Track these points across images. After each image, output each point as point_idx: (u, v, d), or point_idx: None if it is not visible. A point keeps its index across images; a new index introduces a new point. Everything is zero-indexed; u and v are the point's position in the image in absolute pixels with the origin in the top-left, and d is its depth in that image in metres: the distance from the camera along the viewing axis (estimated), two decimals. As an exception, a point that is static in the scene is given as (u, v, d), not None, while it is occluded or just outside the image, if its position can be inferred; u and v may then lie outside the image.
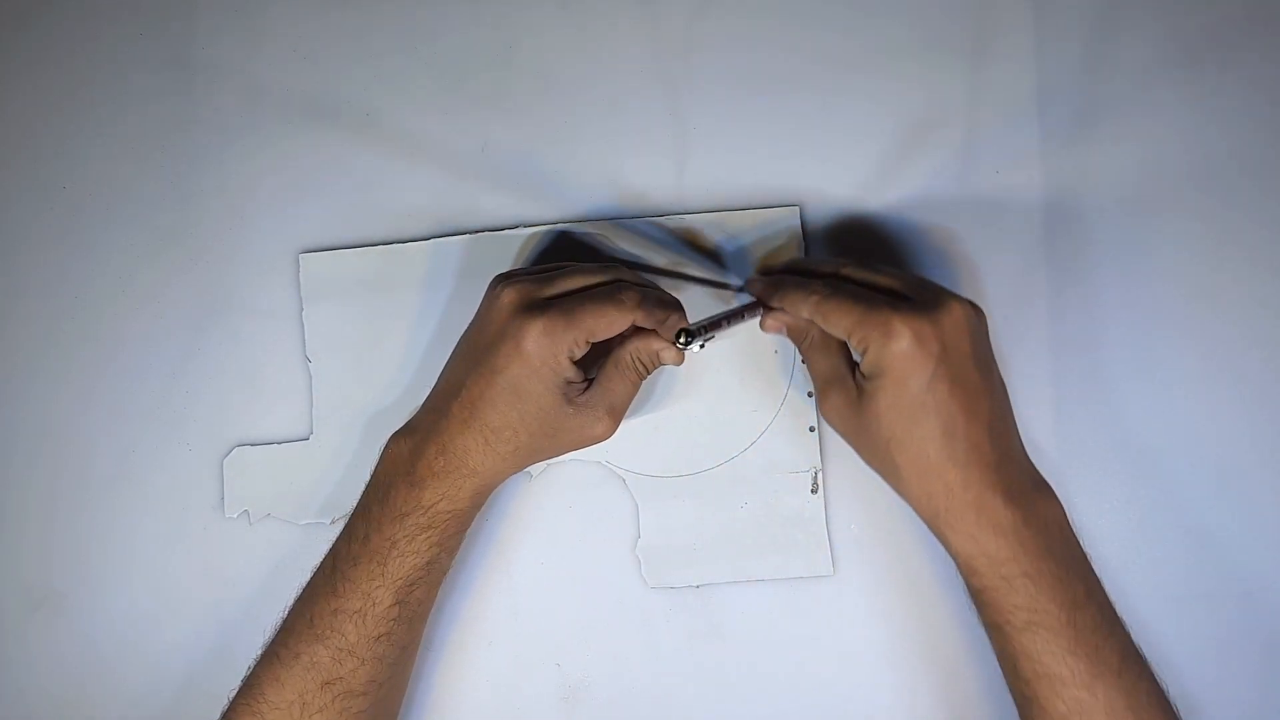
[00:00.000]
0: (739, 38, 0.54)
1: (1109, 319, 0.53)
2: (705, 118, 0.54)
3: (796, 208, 0.53)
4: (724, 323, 0.47)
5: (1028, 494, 0.44)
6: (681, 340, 0.45)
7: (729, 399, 0.53)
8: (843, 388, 0.46)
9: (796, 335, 0.49)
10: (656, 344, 0.48)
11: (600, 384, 0.48)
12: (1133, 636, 0.44)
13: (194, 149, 0.55)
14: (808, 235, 0.53)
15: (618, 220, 0.53)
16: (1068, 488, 0.52)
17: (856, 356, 0.46)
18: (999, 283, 0.53)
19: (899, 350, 0.42)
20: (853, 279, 0.46)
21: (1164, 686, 0.44)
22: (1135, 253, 0.53)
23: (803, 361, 0.50)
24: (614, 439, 0.52)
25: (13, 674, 0.55)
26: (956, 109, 0.53)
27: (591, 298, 0.46)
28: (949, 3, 0.54)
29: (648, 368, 0.49)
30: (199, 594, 0.54)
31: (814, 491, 0.52)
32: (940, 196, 0.53)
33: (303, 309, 0.54)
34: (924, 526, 0.53)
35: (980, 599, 0.44)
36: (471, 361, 0.47)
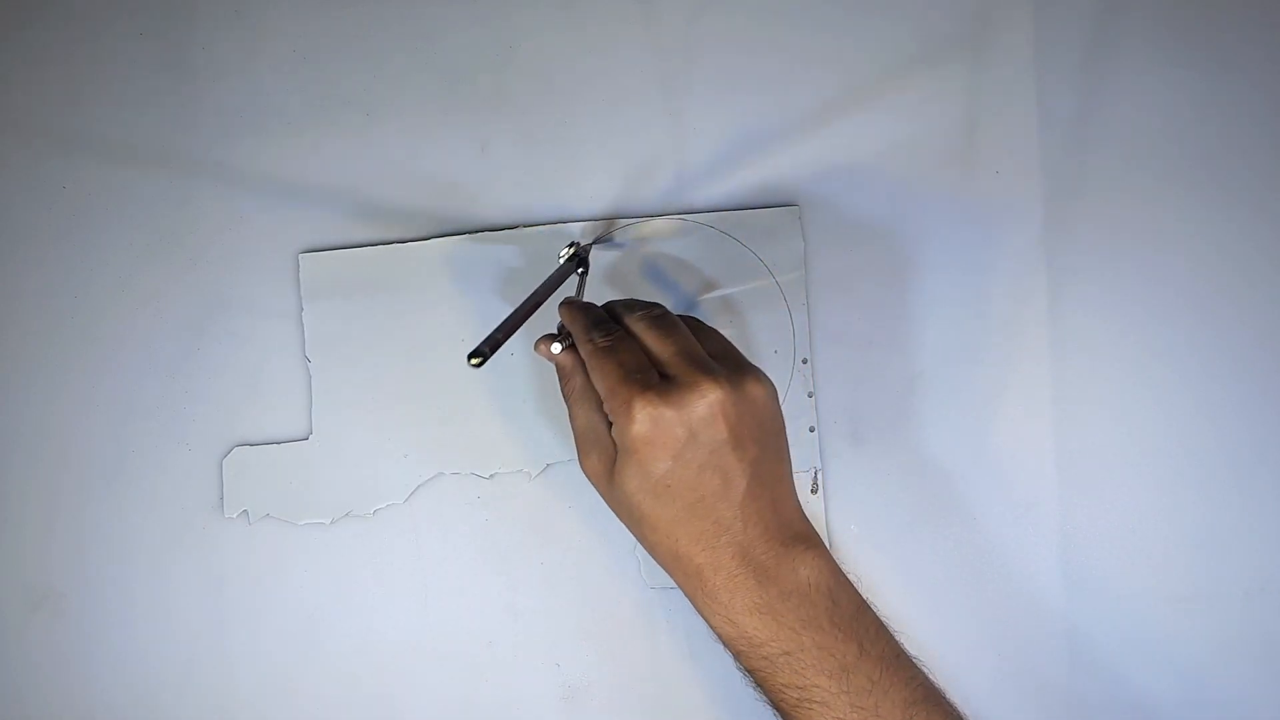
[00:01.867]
0: (738, 38, 0.54)
1: (1109, 319, 0.53)
2: (705, 118, 0.54)
3: (796, 207, 0.53)
4: (508, 327, 0.44)
5: (785, 561, 0.41)
6: (472, 362, 0.41)
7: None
8: (601, 450, 0.43)
9: (562, 373, 0.46)
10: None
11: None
12: (922, 668, 0.42)
13: (194, 149, 0.55)
14: (807, 235, 0.53)
15: (615, 218, 0.53)
16: (1068, 489, 0.52)
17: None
18: (999, 283, 0.53)
19: (637, 433, 0.40)
20: (640, 337, 0.43)
21: (961, 715, 0.42)
22: (1135, 252, 0.53)
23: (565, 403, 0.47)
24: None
25: (13, 674, 0.55)
26: (956, 109, 0.53)
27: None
28: (949, 3, 0.54)
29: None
30: (199, 594, 0.54)
31: (814, 491, 0.52)
32: (940, 196, 0.53)
33: (302, 309, 0.54)
34: (923, 527, 0.53)
35: (754, 678, 0.42)
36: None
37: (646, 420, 0.40)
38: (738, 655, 0.42)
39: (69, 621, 0.54)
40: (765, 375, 0.43)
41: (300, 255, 0.54)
